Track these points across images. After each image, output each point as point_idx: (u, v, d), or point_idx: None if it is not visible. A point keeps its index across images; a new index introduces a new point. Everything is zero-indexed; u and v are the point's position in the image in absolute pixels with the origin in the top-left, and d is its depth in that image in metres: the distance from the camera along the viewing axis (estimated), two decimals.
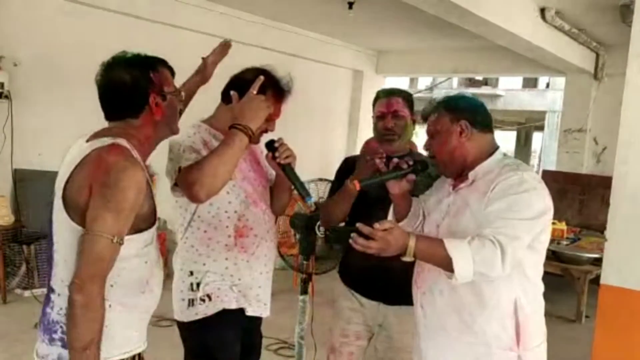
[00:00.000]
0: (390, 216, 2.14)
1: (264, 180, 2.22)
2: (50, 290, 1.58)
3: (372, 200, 2.24)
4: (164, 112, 1.62)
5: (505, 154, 1.91)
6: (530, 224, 1.71)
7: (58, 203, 1.53)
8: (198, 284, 2.08)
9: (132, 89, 1.58)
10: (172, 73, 1.68)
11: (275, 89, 2.07)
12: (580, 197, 7.07)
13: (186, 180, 1.85)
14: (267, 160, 2.14)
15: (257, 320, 2.25)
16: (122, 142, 1.54)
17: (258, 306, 2.18)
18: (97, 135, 1.59)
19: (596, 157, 7.52)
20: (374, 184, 2.02)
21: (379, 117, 2.38)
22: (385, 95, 2.39)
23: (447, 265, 1.64)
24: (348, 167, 2.43)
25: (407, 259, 1.69)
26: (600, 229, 5.99)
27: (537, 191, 1.75)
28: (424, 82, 18.83)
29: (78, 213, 1.49)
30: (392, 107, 2.35)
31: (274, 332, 3.76)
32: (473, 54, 8.06)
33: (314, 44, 7.81)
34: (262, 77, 1.98)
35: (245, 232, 2.10)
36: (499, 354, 1.80)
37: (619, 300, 2.30)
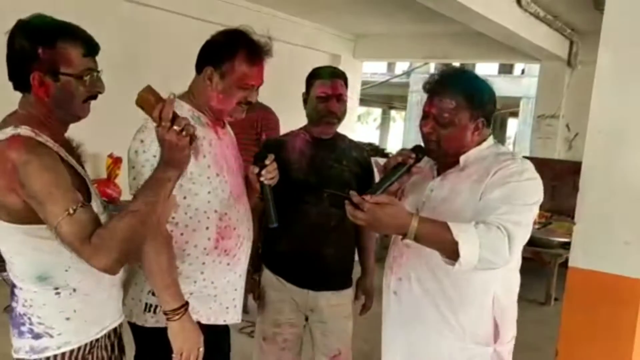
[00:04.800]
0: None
1: (242, 171, 2.02)
2: (13, 284, 1.53)
3: (308, 183, 2.22)
4: (51, 94, 1.44)
5: (495, 142, 1.85)
6: (531, 211, 1.69)
7: None
8: None
9: (15, 60, 1.44)
10: (91, 51, 1.48)
11: (248, 49, 1.81)
12: (552, 183, 7.14)
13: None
14: (250, 173, 1.94)
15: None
16: (24, 130, 1.41)
17: (235, 312, 1.95)
18: (4, 121, 1.47)
19: (568, 144, 7.64)
20: (387, 188, 1.76)
21: (321, 98, 2.27)
22: (329, 77, 2.31)
23: (450, 249, 1.52)
24: (271, 152, 2.05)
25: (408, 241, 1.57)
26: (571, 214, 6.09)
27: (536, 181, 1.73)
28: (401, 66, 18.85)
29: (4, 211, 1.42)
30: (337, 90, 2.27)
31: (248, 315, 3.76)
32: (450, 40, 8.08)
33: (290, 27, 7.73)
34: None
35: (228, 232, 1.86)
36: (475, 349, 1.76)
37: (585, 281, 2.36)
